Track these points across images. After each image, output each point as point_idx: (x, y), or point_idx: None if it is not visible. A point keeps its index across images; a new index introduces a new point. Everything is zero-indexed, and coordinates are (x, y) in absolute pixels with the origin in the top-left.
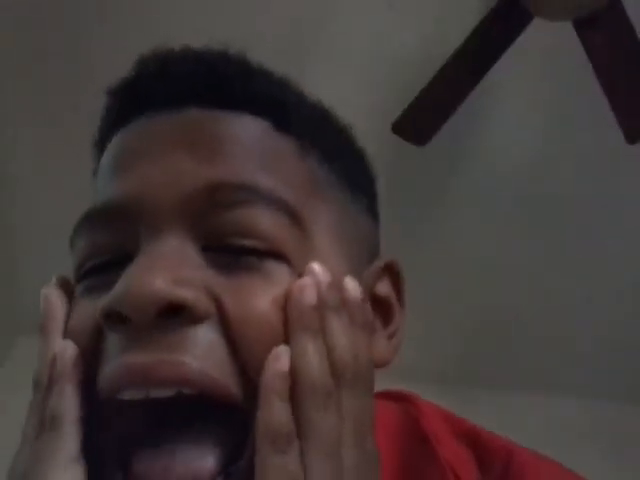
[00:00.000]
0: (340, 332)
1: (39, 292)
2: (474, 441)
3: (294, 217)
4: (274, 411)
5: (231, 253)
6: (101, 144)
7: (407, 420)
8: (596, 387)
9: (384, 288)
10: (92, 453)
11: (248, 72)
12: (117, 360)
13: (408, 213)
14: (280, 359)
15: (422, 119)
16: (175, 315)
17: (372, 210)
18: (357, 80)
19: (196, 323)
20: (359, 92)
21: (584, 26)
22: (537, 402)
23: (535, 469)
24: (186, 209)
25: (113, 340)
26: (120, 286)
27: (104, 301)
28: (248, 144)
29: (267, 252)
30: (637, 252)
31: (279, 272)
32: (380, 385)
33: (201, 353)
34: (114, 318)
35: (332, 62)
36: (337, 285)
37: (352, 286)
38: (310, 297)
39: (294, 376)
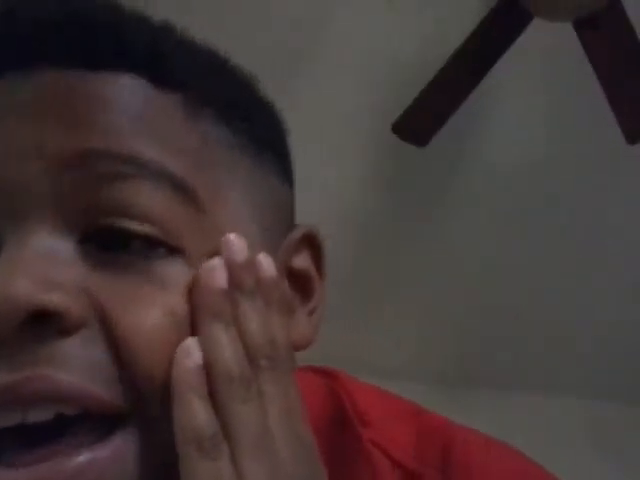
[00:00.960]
0: (254, 316)
1: None
2: (414, 420)
3: (186, 191)
4: (194, 411)
5: (112, 243)
6: None
7: (330, 400)
8: (596, 387)
9: (302, 261)
10: None
11: (117, 20)
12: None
13: (408, 213)
14: (191, 354)
15: (422, 119)
16: (44, 324)
17: (285, 172)
18: (357, 80)
19: (70, 333)
20: (359, 92)
21: (584, 26)
22: (537, 402)
23: (482, 456)
24: (53, 190)
25: None
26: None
27: None
28: (123, 106)
29: (155, 241)
30: (637, 252)
31: (172, 270)
32: (382, 383)
33: (79, 367)
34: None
35: (332, 62)
36: (250, 264)
37: (267, 264)
38: (220, 281)
39: (209, 370)
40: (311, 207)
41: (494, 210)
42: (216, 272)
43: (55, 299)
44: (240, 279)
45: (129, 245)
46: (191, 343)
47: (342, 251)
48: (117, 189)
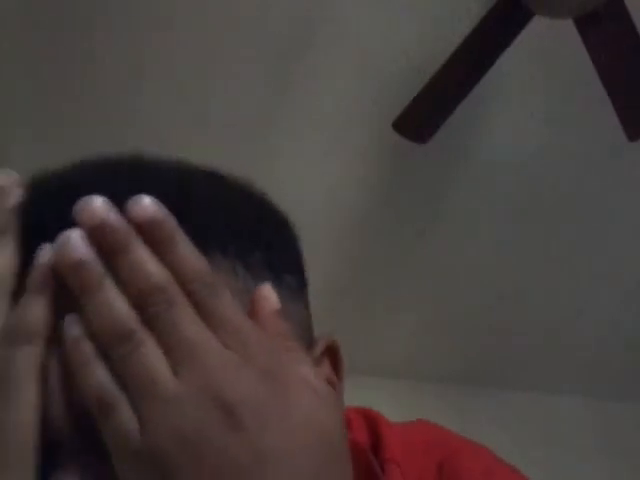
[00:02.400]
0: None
1: None
2: (436, 450)
3: None
4: (86, 377)
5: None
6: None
7: (369, 436)
8: (596, 387)
9: (325, 370)
10: None
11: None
12: None
13: (408, 212)
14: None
15: (423, 117)
16: None
17: (300, 290)
18: (358, 79)
19: None
20: (360, 91)
21: (585, 24)
22: (537, 401)
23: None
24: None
25: None
26: None
27: None
28: None
29: None
30: (638, 252)
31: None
32: (382, 383)
33: None
34: None
35: (333, 61)
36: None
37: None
38: (74, 254)
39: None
40: (311, 206)
41: (494, 208)
42: (67, 246)
43: None
44: (101, 241)
45: None
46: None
47: (342, 250)
48: None
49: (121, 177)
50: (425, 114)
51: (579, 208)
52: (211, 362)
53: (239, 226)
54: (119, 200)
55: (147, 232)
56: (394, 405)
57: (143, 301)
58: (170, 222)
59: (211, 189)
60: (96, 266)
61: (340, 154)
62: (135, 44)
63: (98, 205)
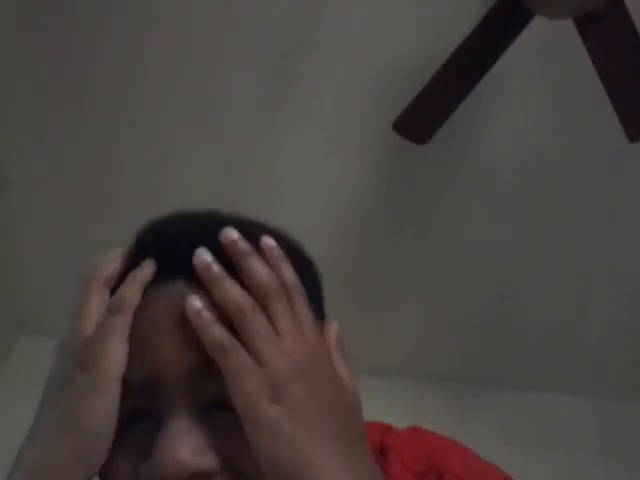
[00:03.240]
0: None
1: (39, 292)
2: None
3: None
4: (209, 332)
5: (221, 410)
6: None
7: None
8: (596, 387)
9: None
10: None
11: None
12: None
13: (408, 212)
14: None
15: (423, 118)
16: (198, 477)
17: (320, 312)
18: (358, 79)
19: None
20: (360, 91)
21: (585, 24)
22: (537, 401)
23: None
24: (187, 387)
25: None
26: (162, 462)
27: (150, 472)
28: None
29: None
30: (638, 252)
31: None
32: (382, 382)
33: None
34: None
35: (333, 61)
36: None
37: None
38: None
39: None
40: (311, 206)
41: (494, 209)
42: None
43: (205, 464)
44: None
45: (229, 409)
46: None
47: (342, 250)
48: (218, 382)
49: (215, 224)
50: (425, 114)
51: (579, 208)
52: (295, 335)
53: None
54: (215, 239)
55: (262, 252)
56: (394, 405)
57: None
58: (275, 249)
59: (271, 232)
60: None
61: (340, 154)
62: (135, 44)
63: (233, 232)
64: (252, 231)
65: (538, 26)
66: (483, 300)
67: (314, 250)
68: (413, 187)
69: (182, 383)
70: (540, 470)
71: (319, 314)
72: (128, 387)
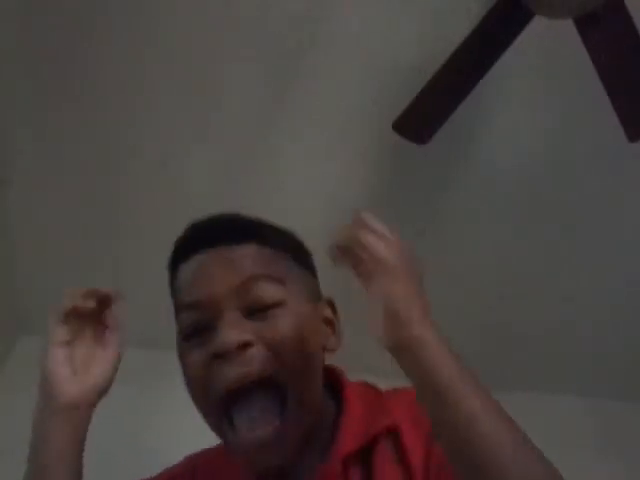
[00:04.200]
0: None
1: (39, 292)
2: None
3: (283, 283)
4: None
5: (257, 308)
6: (173, 267)
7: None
8: (596, 387)
9: (328, 313)
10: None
11: (240, 221)
12: (223, 373)
13: (408, 212)
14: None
15: (423, 118)
16: (242, 347)
17: (314, 273)
18: (358, 79)
19: (251, 347)
20: (360, 91)
21: (585, 24)
22: (537, 401)
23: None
24: (233, 297)
25: (217, 364)
26: (218, 340)
27: (211, 349)
28: (254, 258)
29: (274, 304)
30: (638, 251)
31: (282, 311)
32: (382, 382)
33: (257, 362)
34: (219, 354)
35: (333, 61)
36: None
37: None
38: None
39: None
40: (311, 206)
41: (494, 208)
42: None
43: (246, 337)
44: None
45: (272, 306)
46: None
47: None
48: (260, 288)
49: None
50: (425, 114)
51: (579, 208)
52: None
53: (297, 247)
54: (239, 226)
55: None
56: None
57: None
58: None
59: (281, 228)
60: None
61: (340, 154)
62: (135, 44)
63: (364, 214)
64: (268, 226)
65: (538, 26)
66: (483, 300)
67: (314, 250)
68: (413, 187)
69: (230, 295)
70: None
71: (314, 275)
72: (192, 306)
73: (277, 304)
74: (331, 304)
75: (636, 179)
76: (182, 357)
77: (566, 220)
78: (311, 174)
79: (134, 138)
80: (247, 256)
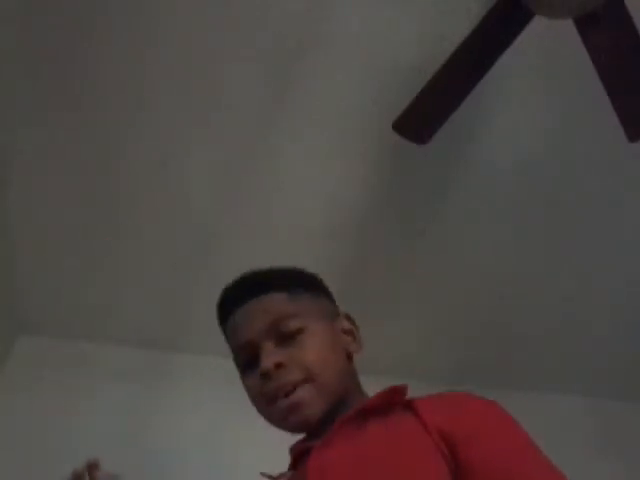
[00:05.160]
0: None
1: (39, 292)
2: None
3: (301, 316)
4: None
5: (285, 338)
6: (223, 323)
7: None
8: (596, 387)
9: (346, 325)
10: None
11: (270, 277)
12: (268, 388)
13: (408, 212)
14: None
15: (423, 118)
16: (278, 367)
17: (328, 296)
18: (358, 79)
19: (284, 367)
20: (360, 91)
21: (585, 24)
22: (537, 401)
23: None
24: (267, 334)
25: (265, 383)
26: (261, 366)
27: (259, 372)
28: (275, 304)
29: (297, 331)
30: (637, 252)
31: (304, 335)
32: (382, 382)
33: (289, 375)
34: (264, 375)
35: (333, 61)
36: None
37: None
38: None
39: None
40: (311, 206)
41: (494, 208)
42: None
43: (279, 359)
44: None
45: (296, 333)
46: None
47: (342, 250)
48: (283, 325)
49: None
50: (425, 114)
51: (579, 208)
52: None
53: (307, 281)
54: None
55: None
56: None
57: None
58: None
59: (293, 270)
60: None
61: (340, 154)
62: (135, 44)
63: None
64: (285, 275)
65: (538, 26)
66: (483, 300)
67: (314, 250)
68: (413, 187)
69: (263, 334)
70: None
71: (334, 310)
72: (240, 347)
73: (299, 331)
74: (348, 317)
75: (636, 179)
76: (245, 385)
77: (566, 220)
78: (311, 174)
79: (134, 138)
80: (270, 304)
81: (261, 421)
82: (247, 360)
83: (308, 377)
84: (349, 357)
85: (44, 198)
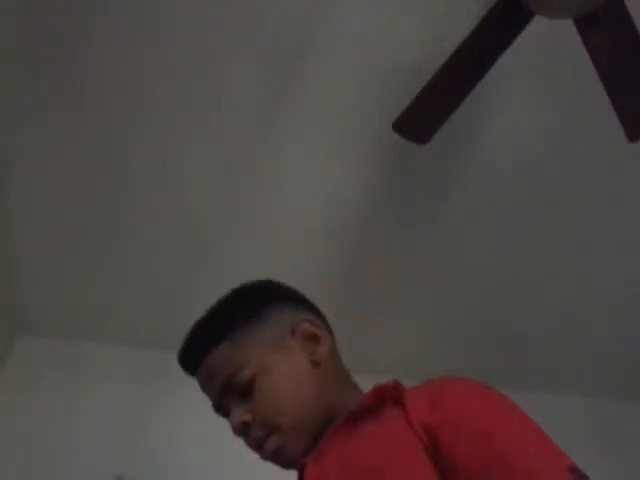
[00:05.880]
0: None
1: (39, 292)
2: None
3: (249, 363)
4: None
5: (241, 391)
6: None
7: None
8: (596, 387)
9: (307, 330)
10: None
11: (207, 330)
12: (247, 443)
13: (408, 212)
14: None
15: (423, 118)
16: (245, 426)
17: (280, 306)
18: (358, 79)
19: (250, 425)
20: (360, 91)
21: (585, 24)
22: (537, 401)
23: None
24: (224, 393)
25: (243, 438)
26: (231, 424)
27: (232, 431)
28: (222, 359)
29: (250, 381)
30: (637, 252)
31: (260, 380)
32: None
33: (257, 433)
34: (237, 434)
35: (333, 61)
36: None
37: None
38: None
39: None
40: (311, 206)
41: (494, 209)
42: None
43: (245, 418)
44: None
45: (251, 382)
46: None
47: (342, 250)
48: (235, 380)
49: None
50: (425, 114)
51: (579, 208)
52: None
53: (250, 308)
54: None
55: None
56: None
57: None
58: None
59: (232, 300)
60: None
61: (340, 154)
62: (135, 44)
63: None
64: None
65: (538, 26)
66: (483, 300)
67: (314, 250)
68: (413, 187)
69: (222, 393)
70: None
71: (288, 325)
72: (215, 407)
73: (251, 381)
74: (308, 321)
75: (636, 179)
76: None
77: (566, 220)
78: (311, 174)
79: (134, 138)
80: (216, 362)
81: None
82: (223, 414)
83: (273, 429)
84: (315, 365)
85: (44, 198)
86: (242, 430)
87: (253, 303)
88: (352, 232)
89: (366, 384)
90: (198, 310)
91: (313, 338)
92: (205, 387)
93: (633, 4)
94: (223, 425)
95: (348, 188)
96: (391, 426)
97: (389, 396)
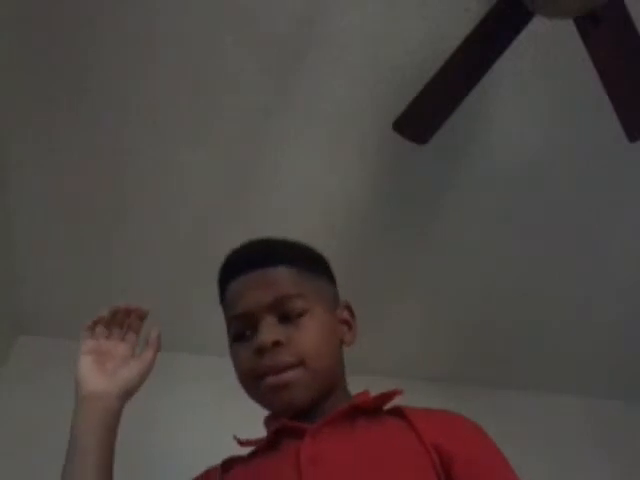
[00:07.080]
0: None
1: (39, 292)
2: None
3: (306, 298)
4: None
5: (287, 316)
6: (222, 287)
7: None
8: (596, 387)
9: (345, 316)
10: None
11: (272, 247)
12: (261, 364)
13: (408, 212)
14: None
15: (423, 117)
16: (275, 346)
17: (332, 280)
18: (358, 79)
19: (281, 345)
20: (360, 91)
21: (585, 24)
22: (537, 401)
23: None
24: (268, 309)
25: (261, 358)
26: (259, 339)
27: (254, 345)
28: (283, 279)
29: (300, 313)
30: (637, 252)
31: (306, 319)
32: (382, 382)
33: (285, 358)
34: (260, 350)
35: (333, 61)
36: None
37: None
38: None
39: None
40: (311, 206)
41: (494, 208)
42: None
43: (278, 338)
44: None
45: (299, 315)
46: None
47: (343, 250)
48: (288, 304)
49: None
50: (425, 114)
51: (579, 208)
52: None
53: (316, 262)
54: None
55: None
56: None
57: None
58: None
59: (303, 247)
60: None
61: (340, 154)
62: (135, 44)
63: None
64: (295, 246)
65: (538, 26)
66: (483, 300)
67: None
68: (413, 187)
69: (266, 308)
70: (539, 470)
71: (337, 297)
72: (240, 316)
73: (302, 313)
74: (348, 307)
75: (636, 179)
76: (233, 354)
77: (566, 220)
78: (311, 174)
79: (134, 138)
80: (279, 278)
81: (261, 421)
82: (241, 330)
83: (302, 362)
84: (341, 345)
85: (44, 198)
86: (269, 348)
87: (322, 264)
88: (352, 232)
89: (366, 384)
90: (198, 310)
91: (347, 323)
92: (243, 294)
93: (633, 4)
94: (223, 425)
95: (348, 187)
96: (397, 429)
97: (387, 403)
